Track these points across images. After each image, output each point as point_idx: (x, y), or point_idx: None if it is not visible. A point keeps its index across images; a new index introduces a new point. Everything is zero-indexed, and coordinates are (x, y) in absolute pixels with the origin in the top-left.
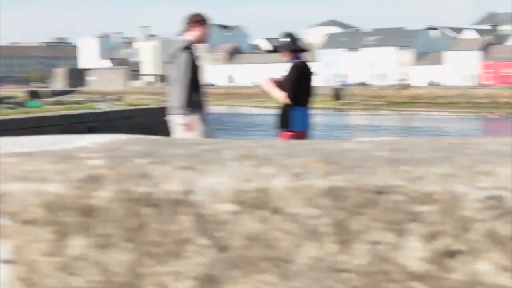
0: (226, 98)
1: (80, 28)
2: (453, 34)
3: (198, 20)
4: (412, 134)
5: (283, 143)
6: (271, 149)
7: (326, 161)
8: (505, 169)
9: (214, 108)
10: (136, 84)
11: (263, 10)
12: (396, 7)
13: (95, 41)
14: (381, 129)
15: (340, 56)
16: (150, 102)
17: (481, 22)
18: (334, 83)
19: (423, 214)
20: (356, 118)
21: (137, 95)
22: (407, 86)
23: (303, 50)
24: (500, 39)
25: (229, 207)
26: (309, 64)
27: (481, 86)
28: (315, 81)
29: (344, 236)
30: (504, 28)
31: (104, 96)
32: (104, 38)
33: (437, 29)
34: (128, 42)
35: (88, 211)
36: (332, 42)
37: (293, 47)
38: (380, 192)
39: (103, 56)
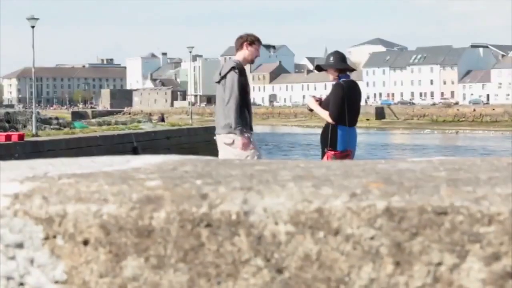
0: (268, 117)
1: (127, 49)
2: (499, 52)
3: (249, 40)
4: (459, 153)
5: (338, 164)
6: (327, 170)
7: (385, 182)
8: None
9: (257, 127)
10: (179, 104)
11: (307, 29)
12: (441, 25)
13: (141, 61)
14: (425, 148)
15: (384, 75)
16: (193, 122)
17: None
18: (377, 101)
19: (485, 235)
20: (399, 137)
21: (180, 115)
22: (451, 105)
23: (350, 69)
24: None
25: (288, 228)
26: (356, 83)
27: None
28: (360, 100)
29: (403, 257)
30: None
31: (148, 116)
32: (149, 58)
33: (483, 47)
34: (173, 63)
35: (145, 232)
36: (375, 60)
37: (339, 66)
38: (441, 213)
39: (148, 77)
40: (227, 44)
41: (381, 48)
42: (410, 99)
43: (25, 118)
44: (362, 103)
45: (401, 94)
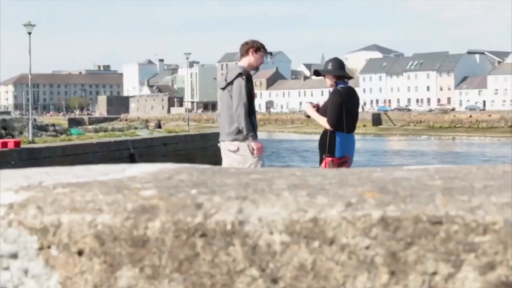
0: (265, 123)
1: (124, 55)
2: (495, 58)
3: (255, 47)
4: (459, 160)
5: (334, 172)
6: (323, 178)
7: (381, 191)
8: None
9: None
10: (176, 110)
11: (304, 36)
12: (438, 31)
13: (137, 68)
14: (422, 154)
15: (380, 81)
16: (190, 128)
17: None
18: (374, 108)
19: (480, 245)
20: (397, 143)
21: (177, 122)
22: (448, 111)
23: (347, 77)
24: None
25: (283, 237)
26: (353, 89)
27: None
28: (358, 106)
29: (398, 267)
30: None
31: (145, 122)
32: (146, 65)
33: (479, 53)
34: (170, 69)
35: (139, 242)
36: (372, 66)
37: (337, 73)
38: (436, 222)
39: (145, 83)
40: (224, 51)
41: (377, 55)
42: (406, 106)
43: (22, 125)
44: (359, 109)
45: (398, 101)
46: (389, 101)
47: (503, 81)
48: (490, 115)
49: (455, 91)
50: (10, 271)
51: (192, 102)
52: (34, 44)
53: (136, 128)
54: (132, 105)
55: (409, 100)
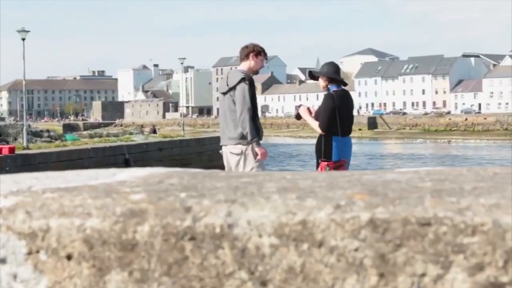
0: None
1: (118, 61)
2: (491, 61)
3: (255, 51)
4: (450, 163)
5: (324, 175)
6: (313, 181)
7: (370, 193)
8: None
9: None
10: (171, 115)
11: (299, 40)
12: (433, 35)
13: (132, 73)
14: (417, 157)
15: (376, 85)
16: (185, 133)
17: None
18: (369, 112)
19: (468, 246)
20: (392, 146)
21: (172, 127)
22: (443, 114)
23: (341, 82)
24: None
25: (272, 240)
26: (347, 92)
27: None
28: (352, 109)
29: (387, 269)
30: None
31: (140, 128)
32: (141, 70)
33: (474, 57)
34: (164, 74)
35: (128, 246)
36: (367, 70)
37: (331, 75)
38: (425, 224)
39: (140, 88)
40: (218, 55)
41: (372, 58)
42: (401, 109)
43: (16, 131)
44: (354, 113)
45: (393, 104)
46: (385, 104)
47: (499, 84)
48: (485, 118)
49: (450, 94)
50: None
51: (187, 107)
52: (28, 50)
53: (131, 133)
54: (127, 110)
55: (404, 103)
